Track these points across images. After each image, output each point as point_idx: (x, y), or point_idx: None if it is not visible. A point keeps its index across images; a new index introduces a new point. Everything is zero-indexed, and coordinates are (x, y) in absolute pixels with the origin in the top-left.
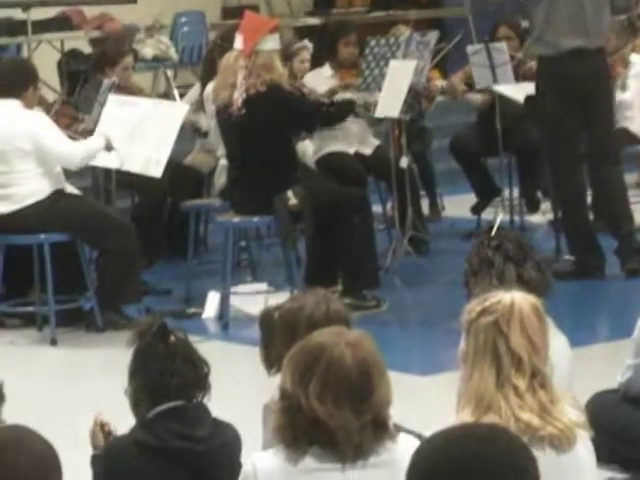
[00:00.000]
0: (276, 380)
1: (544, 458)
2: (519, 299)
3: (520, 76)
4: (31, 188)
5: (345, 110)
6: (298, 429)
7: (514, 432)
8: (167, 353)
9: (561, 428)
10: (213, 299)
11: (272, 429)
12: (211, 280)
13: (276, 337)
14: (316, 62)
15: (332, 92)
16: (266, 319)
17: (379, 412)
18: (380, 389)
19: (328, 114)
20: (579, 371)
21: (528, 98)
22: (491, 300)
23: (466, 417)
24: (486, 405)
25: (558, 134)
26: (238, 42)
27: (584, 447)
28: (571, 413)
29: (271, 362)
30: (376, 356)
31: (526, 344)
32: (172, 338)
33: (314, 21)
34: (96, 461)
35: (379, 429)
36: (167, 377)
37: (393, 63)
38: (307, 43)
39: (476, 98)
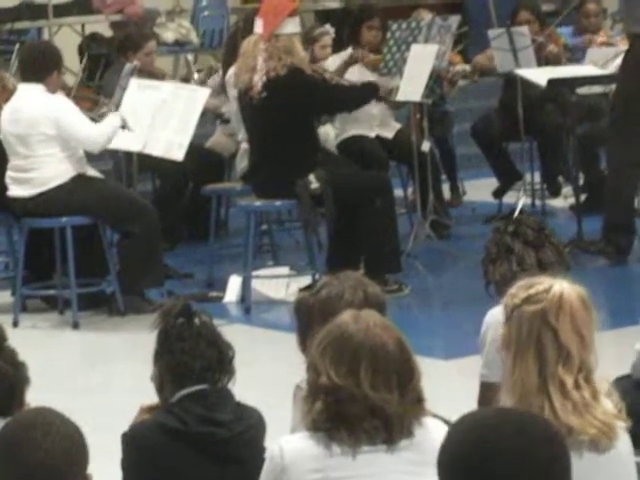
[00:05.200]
0: None
1: (583, 462)
2: (568, 290)
3: (542, 59)
4: (53, 172)
5: (368, 93)
6: (353, 418)
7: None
8: (191, 335)
9: (602, 427)
10: (235, 283)
11: (310, 422)
12: (233, 264)
13: (314, 324)
14: (338, 46)
15: (343, 68)
16: (302, 306)
17: (420, 392)
18: (418, 369)
19: (351, 98)
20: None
21: None
22: (537, 287)
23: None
24: (528, 402)
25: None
26: (258, 26)
27: (624, 442)
28: (609, 406)
29: (309, 349)
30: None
31: (575, 338)
32: (196, 320)
33: (335, 4)
34: (123, 441)
35: (421, 409)
36: (191, 359)
37: (415, 47)
38: (329, 28)
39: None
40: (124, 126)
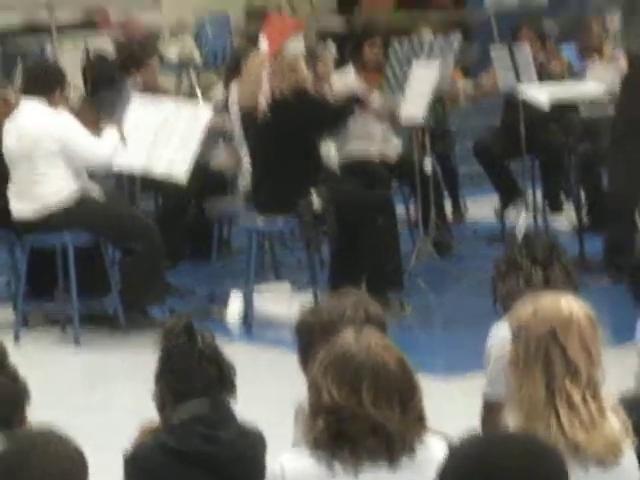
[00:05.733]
0: None
1: (588, 477)
2: (575, 307)
3: (544, 76)
4: (56, 188)
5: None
6: (355, 437)
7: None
8: (193, 353)
9: (608, 444)
10: (236, 300)
11: (311, 441)
12: (235, 281)
13: (316, 342)
14: (340, 64)
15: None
16: (304, 325)
17: (421, 410)
18: (419, 387)
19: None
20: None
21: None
22: (545, 305)
23: (513, 424)
24: (535, 416)
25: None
26: (262, 44)
27: (630, 460)
28: (615, 422)
29: (310, 368)
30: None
31: (584, 355)
32: (198, 339)
33: (337, 23)
34: (126, 462)
35: (422, 427)
36: (193, 378)
37: (416, 64)
38: (330, 46)
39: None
40: (122, 140)
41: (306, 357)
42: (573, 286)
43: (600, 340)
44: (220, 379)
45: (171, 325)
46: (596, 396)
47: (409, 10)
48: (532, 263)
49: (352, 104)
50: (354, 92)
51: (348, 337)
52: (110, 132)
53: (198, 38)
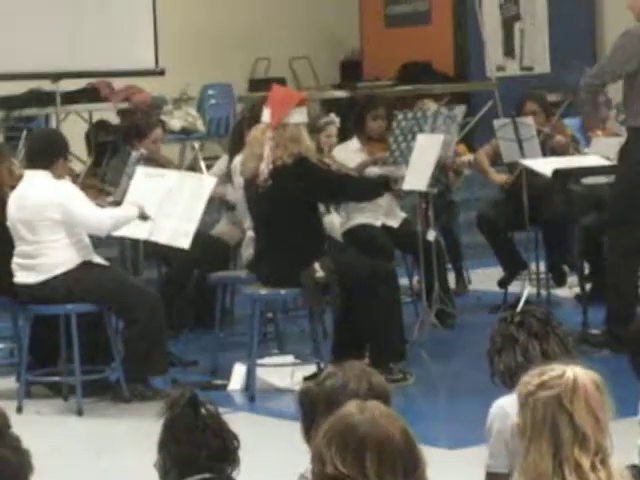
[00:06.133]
0: None
1: None
2: (581, 374)
3: (547, 150)
4: (59, 258)
5: (381, 188)
6: None
7: None
8: (197, 425)
9: None
10: (239, 371)
11: None
12: (237, 352)
13: (319, 413)
14: (344, 135)
15: (363, 166)
16: (307, 396)
17: None
18: (423, 458)
19: (361, 190)
20: None
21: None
22: (550, 374)
23: None
24: None
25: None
26: (266, 115)
27: None
28: None
29: (314, 439)
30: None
31: (591, 421)
32: (202, 410)
33: (341, 94)
34: None
35: None
36: (196, 449)
37: (420, 137)
38: (334, 117)
39: (499, 178)
40: (144, 217)
41: (309, 428)
42: (571, 358)
43: (608, 406)
44: (224, 451)
45: (176, 396)
46: (605, 463)
47: (412, 82)
48: (528, 336)
49: (384, 186)
50: (386, 175)
51: (352, 408)
52: (130, 209)
53: (201, 108)
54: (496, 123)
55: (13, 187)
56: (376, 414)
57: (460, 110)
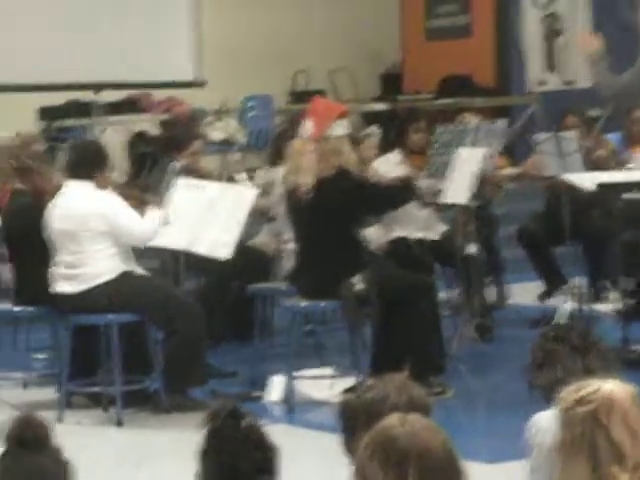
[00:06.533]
0: None
1: None
2: (618, 389)
3: (589, 164)
4: (101, 268)
5: (407, 192)
6: None
7: None
8: (238, 436)
9: None
10: (278, 383)
11: None
12: (276, 363)
13: (359, 426)
14: (384, 147)
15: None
16: (347, 408)
17: None
18: (464, 471)
19: (394, 198)
20: None
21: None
22: (587, 389)
23: None
24: None
25: None
26: (307, 127)
27: None
28: None
29: (354, 451)
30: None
31: (628, 436)
32: (244, 422)
33: (381, 107)
34: None
35: None
36: (237, 460)
37: (462, 150)
38: (375, 130)
39: (544, 184)
40: (166, 220)
41: (349, 440)
42: (612, 373)
43: None
44: (264, 463)
45: (217, 407)
46: None
47: (452, 95)
48: (569, 351)
49: (409, 192)
50: (410, 179)
51: (393, 420)
52: (152, 213)
53: (242, 119)
54: (538, 137)
55: (52, 197)
56: (417, 427)
57: (501, 124)
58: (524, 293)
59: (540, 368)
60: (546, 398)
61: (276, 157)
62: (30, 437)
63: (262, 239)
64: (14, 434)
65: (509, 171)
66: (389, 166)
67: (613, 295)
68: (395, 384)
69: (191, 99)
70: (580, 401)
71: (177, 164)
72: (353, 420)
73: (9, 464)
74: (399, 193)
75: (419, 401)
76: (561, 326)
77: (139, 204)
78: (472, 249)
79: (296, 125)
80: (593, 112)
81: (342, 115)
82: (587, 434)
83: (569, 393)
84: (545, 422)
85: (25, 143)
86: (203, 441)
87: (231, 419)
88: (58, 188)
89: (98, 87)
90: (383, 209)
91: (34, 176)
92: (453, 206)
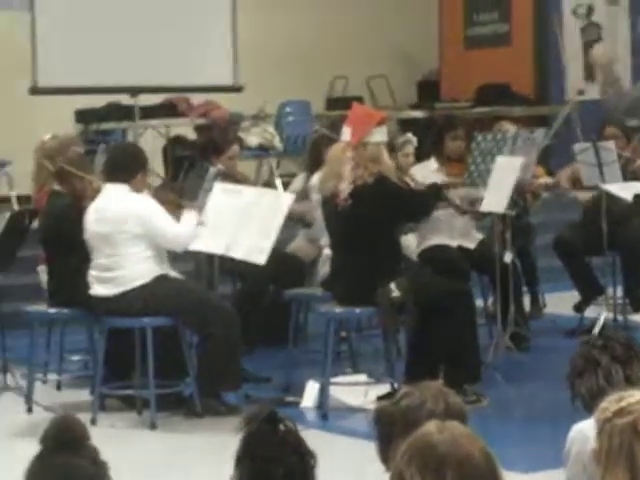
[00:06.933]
0: None
1: None
2: None
3: (628, 174)
4: (137, 271)
5: (433, 196)
6: None
7: None
8: (275, 441)
9: None
10: (312, 388)
11: None
12: (310, 369)
13: (396, 433)
14: (421, 155)
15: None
16: (383, 415)
17: None
18: (503, 477)
19: (423, 203)
20: None
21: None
22: (628, 400)
23: None
24: None
25: None
26: (345, 133)
27: None
28: None
29: (390, 458)
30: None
31: None
32: (281, 426)
33: (418, 114)
34: None
35: None
36: (274, 466)
37: (500, 159)
38: (411, 137)
39: (584, 196)
40: (200, 223)
41: (385, 447)
42: None
43: None
44: (301, 468)
45: (254, 412)
46: None
47: (490, 104)
48: (611, 360)
49: (437, 196)
50: (437, 183)
51: (431, 427)
52: (189, 216)
53: (279, 125)
54: (577, 147)
55: (92, 200)
56: (456, 434)
57: (540, 133)
58: (560, 303)
59: (580, 377)
60: (586, 407)
61: (313, 163)
62: (67, 438)
63: (298, 245)
64: (51, 435)
65: (546, 180)
66: (426, 174)
67: None
68: (431, 391)
69: (228, 103)
70: (620, 412)
71: (214, 168)
72: (389, 427)
73: (46, 465)
74: (427, 199)
75: (455, 409)
76: (603, 335)
77: (175, 208)
78: (508, 258)
79: (334, 131)
80: (632, 122)
81: (381, 122)
82: (626, 445)
83: (609, 403)
84: (585, 431)
85: (63, 145)
86: (239, 445)
87: (268, 424)
88: (97, 191)
89: (136, 90)
90: (419, 216)
91: (72, 178)
92: (490, 214)
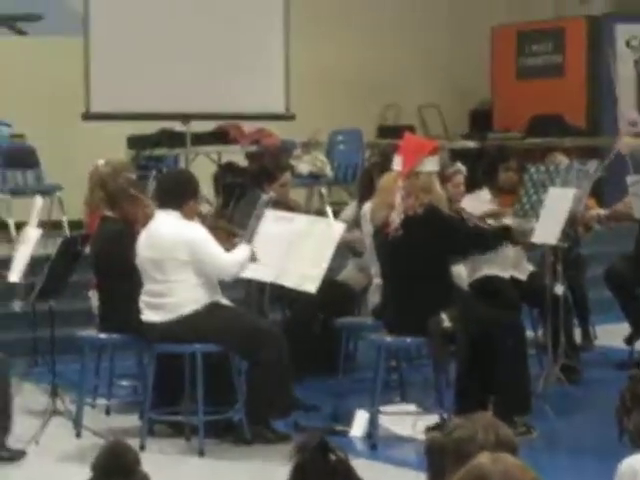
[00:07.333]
0: None
1: None
2: None
3: None
4: (187, 298)
5: (500, 237)
6: None
7: None
8: (326, 471)
9: None
10: (361, 417)
11: None
12: (359, 398)
13: (447, 464)
14: (471, 185)
15: (486, 216)
16: (435, 446)
17: None
18: None
19: (484, 241)
20: None
21: None
22: None
23: None
24: None
25: None
26: (397, 162)
27: None
28: None
29: None
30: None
31: None
32: (332, 456)
33: (470, 144)
34: None
35: None
36: None
37: (552, 191)
38: (460, 166)
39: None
40: (253, 258)
41: (437, 478)
42: None
43: None
44: None
45: (305, 440)
46: None
47: (542, 135)
48: None
49: (505, 237)
50: (509, 226)
51: (484, 459)
52: (243, 248)
53: (330, 153)
54: (629, 179)
55: (144, 226)
56: (508, 465)
57: (593, 165)
58: (611, 335)
59: (629, 412)
60: (634, 443)
61: (364, 192)
62: (119, 463)
63: (348, 273)
64: (103, 460)
65: (599, 212)
66: (478, 204)
67: None
68: (483, 423)
69: (280, 131)
70: None
71: (266, 196)
72: (440, 458)
73: None
74: (493, 239)
75: (506, 440)
76: None
77: (226, 236)
78: (560, 289)
79: (386, 160)
80: None
81: (433, 151)
82: None
83: None
84: (634, 466)
85: (116, 171)
86: (290, 474)
87: (319, 453)
88: (149, 217)
89: (188, 117)
90: (472, 250)
91: (124, 204)
92: (541, 246)
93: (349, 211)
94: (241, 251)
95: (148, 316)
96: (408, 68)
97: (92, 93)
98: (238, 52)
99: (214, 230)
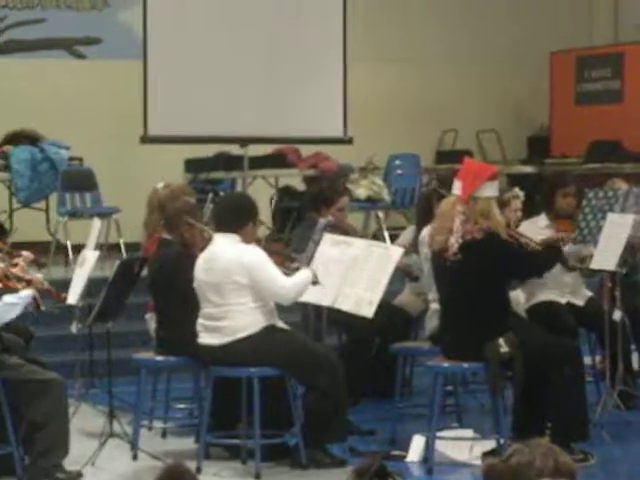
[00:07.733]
0: None
1: None
2: None
3: None
4: (244, 322)
5: (553, 258)
6: None
7: None
8: None
9: None
10: (418, 442)
11: None
12: (415, 423)
13: None
14: (529, 211)
15: (545, 242)
16: (492, 472)
17: None
18: None
19: (540, 263)
20: None
21: None
22: None
23: None
24: None
25: None
26: (457, 187)
27: None
28: None
29: None
30: None
31: None
32: None
33: (528, 169)
34: None
35: None
36: None
37: (611, 216)
38: (518, 191)
39: None
40: (315, 282)
41: None
42: None
43: None
44: None
45: (364, 465)
46: None
47: (600, 160)
48: None
49: (556, 258)
50: (558, 245)
51: None
52: (303, 272)
53: (387, 177)
54: None
55: (202, 249)
56: None
57: None
58: None
59: None
60: None
61: (423, 217)
62: None
63: (405, 298)
64: None
65: None
66: (536, 230)
67: None
68: (541, 449)
69: (338, 155)
70: None
71: (324, 219)
72: None
73: None
74: (545, 260)
75: (565, 467)
76: None
77: (283, 260)
78: (617, 316)
79: (445, 186)
80: None
81: (492, 177)
82: None
83: None
84: None
85: (175, 194)
86: None
87: (379, 477)
88: (207, 240)
89: (246, 141)
90: (528, 275)
91: (182, 227)
92: (599, 271)
93: (406, 235)
94: (302, 275)
95: (205, 339)
96: (466, 93)
97: (150, 116)
98: (296, 76)
99: (270, 254)
